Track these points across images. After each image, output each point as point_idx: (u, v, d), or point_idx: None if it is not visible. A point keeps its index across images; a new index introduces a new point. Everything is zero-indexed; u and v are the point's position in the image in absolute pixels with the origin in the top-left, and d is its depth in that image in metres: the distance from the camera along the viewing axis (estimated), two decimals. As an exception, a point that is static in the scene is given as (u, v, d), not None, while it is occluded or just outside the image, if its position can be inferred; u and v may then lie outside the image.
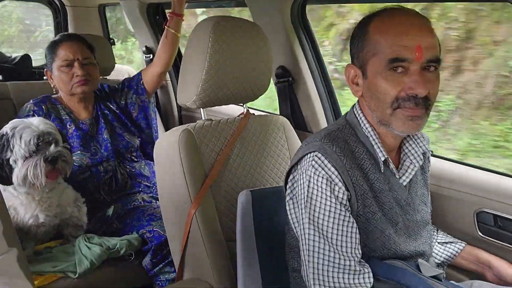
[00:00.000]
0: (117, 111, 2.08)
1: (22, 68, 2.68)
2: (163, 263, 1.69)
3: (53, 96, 2.03)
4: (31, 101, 1.98)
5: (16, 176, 1.55)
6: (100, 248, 1.64)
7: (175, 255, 1.51)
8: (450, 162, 1.55)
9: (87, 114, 2.02)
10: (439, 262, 1.34)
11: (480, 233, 1.41)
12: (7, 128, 1.58)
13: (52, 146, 1.57)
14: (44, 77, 2.11)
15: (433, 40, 1.04)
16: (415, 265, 1.12)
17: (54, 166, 1.57)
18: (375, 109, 1.09)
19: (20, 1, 4.60)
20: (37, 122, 1.59)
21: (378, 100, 1.07)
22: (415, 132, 1.13)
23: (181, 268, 1.48)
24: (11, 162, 1.55)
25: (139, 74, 2.16)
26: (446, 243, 1.36)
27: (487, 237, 1.39)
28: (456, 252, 1.34)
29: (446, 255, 1.35)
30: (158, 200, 1.50)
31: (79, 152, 1.91)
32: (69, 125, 1.96)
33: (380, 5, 1.11)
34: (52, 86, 2.01)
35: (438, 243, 1.36)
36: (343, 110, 1.92)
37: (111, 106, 2.08)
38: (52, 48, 1.97)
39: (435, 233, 1.37)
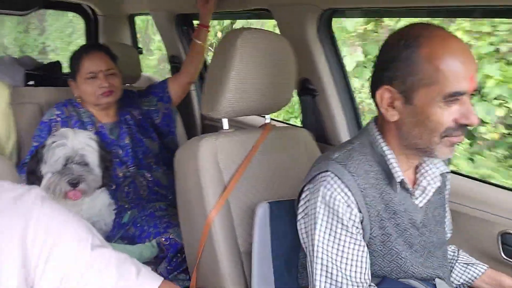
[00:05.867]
0: (140, 117, 2.10)
1: (52, 74, 2.75)
2: (178, 271, 1.69)
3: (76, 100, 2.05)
4: (54, 105, 2.01)
5: (42, 187, 1.61)
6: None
7: (190, 263, 1.51)
8: (473, 181, 1.51)
9: (109, 119, 2.04)
10: (459, 283, 1.30)
11: (504, 256, 1.36)
12: (49, 140, 1.66)
13: (78, 168, 1.65)
14: None
15: (476, 66, 1.00)
16: (432, 285, 1.09)
17: (75, 187, 1.64)
18: (418, 137, 1.02)
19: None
20: (74, 141, 1.66)
21: (425, 128, 1.01)
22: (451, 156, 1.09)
23: (195, 277, 1.48)
24: (43, 173, 1.64)
25: (165, 81, 2.18)
26: (468, 264, 1.31)
27: (511, 260, 1.34)
28: (477, 275, 1.29)
29: (467, 277, 1.30)
30: (175, 208, 1.51)
31: None
32: (90, 128, 1.98)
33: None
34: (75, 95, 2.01)
35: (459, 264, 1.32)
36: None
37: (134, 112, 2.10)
38: (76, 59, 1.97)
39: (456, 254, 1.33)
